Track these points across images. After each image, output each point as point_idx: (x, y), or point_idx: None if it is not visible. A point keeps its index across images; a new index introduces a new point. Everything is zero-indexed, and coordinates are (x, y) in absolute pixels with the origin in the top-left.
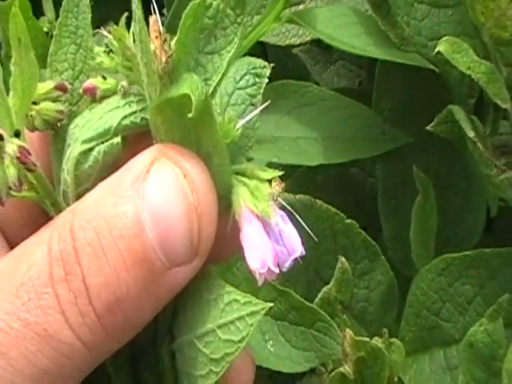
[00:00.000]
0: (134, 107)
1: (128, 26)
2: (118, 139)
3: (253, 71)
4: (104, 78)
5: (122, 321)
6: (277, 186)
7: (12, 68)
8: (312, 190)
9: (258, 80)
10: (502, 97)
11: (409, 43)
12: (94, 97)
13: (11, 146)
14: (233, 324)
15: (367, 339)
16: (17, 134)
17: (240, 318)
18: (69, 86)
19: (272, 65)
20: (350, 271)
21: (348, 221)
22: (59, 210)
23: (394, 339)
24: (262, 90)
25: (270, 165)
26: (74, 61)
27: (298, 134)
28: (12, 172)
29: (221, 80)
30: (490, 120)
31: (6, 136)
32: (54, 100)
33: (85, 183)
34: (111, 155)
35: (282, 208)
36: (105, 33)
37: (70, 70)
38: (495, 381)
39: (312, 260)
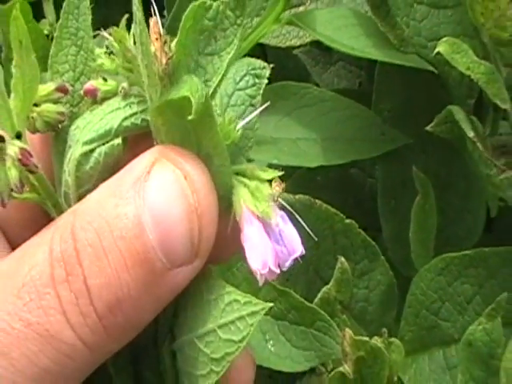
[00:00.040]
0: (135, 108)
1: (128, 27)
2: (118, 140)
3: (252, 72)
4: (105, 79)
5: (122, 321)
6: (277, 187)
7: (13, 70)
8: (312, 190)
9: (257, 81)
10: (501, 97)
11: (408, 44)
12: (95, 98)
13: (13, 148)
14: (233, 324)
15: (367, 339)
16: (18, 136)
17: (240, 318)
18: (70, 88)
19: (271, 65)
20: (349, 271)
21: (347, 221)
22: (60, 212)
23: (393, 339)
24: (261, 91)
25: (270, 166)
26: (74, 62)
27: (297, 135)
28: (14, 174)
29: (221, 81)
30: (489, 120)
31: (7, 138)
32: (55, 102)
33: (86, 184)
34: (112, 156)
35: (282, 208)
36: (105, 34)
37: (71, 72)
38: (494, 379)
39: (312, 260)
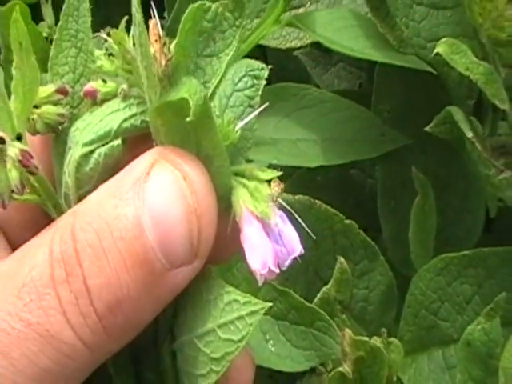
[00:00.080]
0: (134, 110)
1: (128, 29)
2: (118, 141)
3: (251, 73)
4: (104, 81)
5: (122, 321)
6: (276, 187)
7: (13, 72)
8: (312, 191)
9: (256, 82)
10: (500, 98)
11: (407, 45)
12: (95, 100)
13: (13, 150)
14: (233, 323)
15: (366, 339)
16: (18, 138)
17: (240, 318)
18: (70, 90)
19: (270, 67)
20: (348, 271)
21: (347, 221)
22: (61, 212)
23: (392, 339)
24: (260, 92)
25: (270, 166)
26: (74, 64)
27: (297, 135)
28: (14, 175)
29: (220, 82)
30: (488, 121)
31: (7, 139)
32: (55, 103)
33: (86, 185)
34: (112, 157)
35: (281, 208)
36: (105, 36)
37: (71, 74)
38: (492, 379)
39: (311, 260)
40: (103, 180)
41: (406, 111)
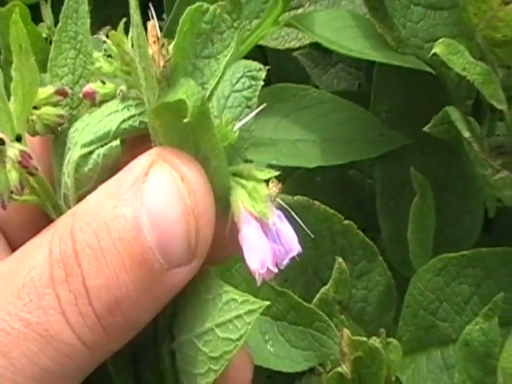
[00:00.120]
0: (133, 111)
1: (127, 30)
2: (117, 142)
3: (249, 74)
4: (103, 82)
5: (121, 321)
6: (274, 187)
7: (13, 73)
8: (311, 191)
9: (253, 83)
10: (497, 98)
11: (405, 45)
12: (94, 101)
13: (13, 151)
14: (231, 323)
15: (364, 339)
16: (18, 139)
17: (238, 317)
18: (69, 91)
19: (268, 67)
20: (347, 272)
21: (346, 222)
22: (60, 213)
23: (391, 339)
24: (257, 93)
25: (269, 167)
26: (73, 66)
27: (296, 136)
28: (14, 176)
29: (218, 83)
30: (487, 121)
31: (7, 140)
32: (55, 104)
33: (85, 186)
34: (111, 158)
35: (279, 207)
36: (104, 38)
37: (70, 75)
38: (491, 379)
39: (310, 261)
40: (102, 180)
41: (405, 111)
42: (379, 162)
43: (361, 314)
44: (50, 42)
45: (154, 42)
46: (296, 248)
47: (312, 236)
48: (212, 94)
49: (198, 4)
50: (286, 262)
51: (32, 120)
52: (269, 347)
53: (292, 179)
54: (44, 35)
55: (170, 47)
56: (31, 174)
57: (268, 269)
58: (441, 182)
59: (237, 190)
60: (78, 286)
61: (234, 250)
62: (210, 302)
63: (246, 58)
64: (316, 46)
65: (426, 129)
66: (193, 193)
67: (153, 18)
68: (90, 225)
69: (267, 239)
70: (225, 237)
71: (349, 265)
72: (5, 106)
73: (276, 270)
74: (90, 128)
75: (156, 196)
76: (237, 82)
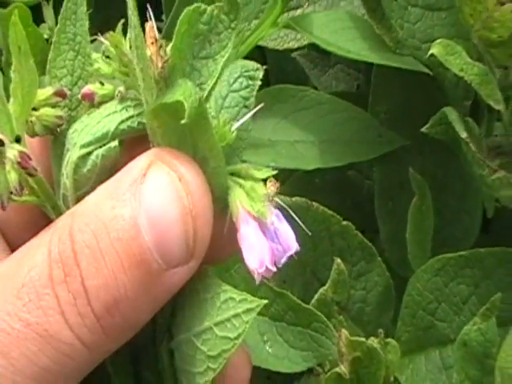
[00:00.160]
0: (131, 112)
1: (125, 32)
2: (115, 143)
3: (246, 74)
4: (102, 83)
5: (120, 321)
6: (272, 187)
7: (12, 75)
8: (310, 193)
9: (251, 82)
10: (494, 98)
11: (403, 46)
12: (93, 102)
13: (12, 152)
14: (229, 321)
15: (363, 339)
16: (17, 140)
17: (236, 316)
18: (68, 92)
19: (265, 67)
20: (345, 272)
21: (344, 223)
22: (59, 214)
23: (389, 339)
24: (255, 92)
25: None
26: (72, 67)
27: (295, 137)
28: (13, 177)
29: (215, 84)
30: (485, 121)
31: (6, 141)
32: (54, 106)
33: (84, 187)
34: (109, 159)
35: (277, 206)
36: (102, 39)
37: (69, 76)
38: (489, 379)
39: (309, 261)
40: (101, 181)
41: (403, 112)
42: (378, 163)
43: (359, 315)
44: (52, 43)
45: (152, 43)
46: (294, 246)
47: (309, 233)
48: (210, 94)
49: (195, 5)
50: (284, 260)
51: (31, 121)
52: (267, 348)
53: (291, 181)
54: (46, 36)
55: (168, 48)
56: (30, 175)
57: (267, 268)
58: (439, 183)
59: (235, 190)
60: (76, 287)
61: (232, 250)
62: (208, 301)
63: (245, 58)
64: (315, 46)
65: (423, 130)
66: (191, 193)
67: (151, 19)
68: (88, 225)
69: (265, 238)
70: (223, 237)
71: (347, 266)
72: (4, 107)
73: (275, 269)
74: (89, 129)
75: (154, 197)
76: (234, 82)
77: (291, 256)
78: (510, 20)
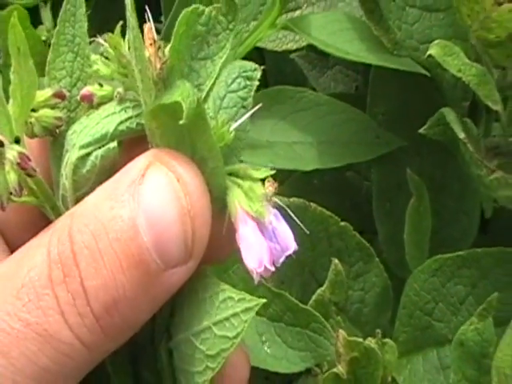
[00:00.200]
0: (130, 113)
1: (124, 33)
2: (114, 144)
3: (244, 74)
4: (101, 85)
5: (119, 321)
6: (270, 187)
7: (11, 76)
8: (308, 193)
9: (248, 83)
10: (492, 99)
11: (401, 47)
12: (91, 103)
13: (11, 153)
14: (228, 321)
15: (360, 340)
16: (17, 141)
17: (235, 315)
18: (67, 94)
19: (263, 67)
20: (343, 273)
21: (342, 223)
22: (58, 214)
23: (387, 339)
24: (252, 93)
25: None
26: (71, 68)
27: (293, 138)
28: (12, 178)
29: (213, 85)
30: (483, 122)
31: (6, 142)
32: (53, 107)
33: (83, 187)
34: (108, 160)
35: (275, 206)
36: (101, 41)
37: (68, 78)
38: (486, 378)
39: (307, 262)
40: (100, 182)
41: (401, 113)
42: (376, 164)
43: (357, 316)
44: (49, 45)
45: (151, 44)
46: (292, 246)
47: (308, 233)
48: (208, 95)
49: (193, 6)
50: (282, 260)
51: (30, 122)
52: (266, 348)
53: (289, 182)
54: (43, 38)
55: (167, 49)
56: (30, 176)
57: (265, 267)
58: (437, 184)
59: (233, 190)
60: (76, 287)
61: (231, 250)
62: (207, 300)
63: (244, 59)
64: (313, 48)
65: (421, 130)
66: (189, 194)
67: (149, 20)
68: (87, 226)
69: (264, 238)
70: (222, 237)
71: (345, 266)
72: (4, 108)
73: (273, 269)
74: (88, 130)
75: (153, 197)
76: (232, 83)
77: (289, 255)
78: (508, 20)
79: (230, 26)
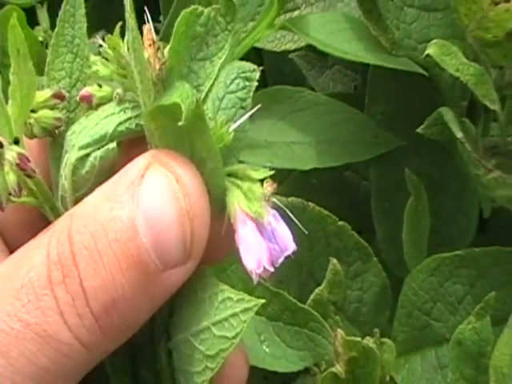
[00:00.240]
0: (129, 113)
1: (123, 34)
2: (113, 145)
3: (243, 75)
4: (100, 85)
5: (118, 322)
6: (269, 187)
7: (11, 77)
8: (306, 193)
9: (247, 83)
10: (490, 98)
11: (399, 47)
12: (91, 104)
13: (11, 153)
14: (227, 321)
15: (359, 339)
16: (16, 142)
17: (234, 315)
18: (66, 94)
19: (261, 68)
20: (341, 272)
21: (340, 223)
22: (58, 215)
23: (385, 339)
24: (251, 94)
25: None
26: (70, 69)
27: (292, 138)
28: (12, 178)
29: (212, 85)
30: (481, 122)
31: (5, 143)
32: (52, 108)
33: (82, 188)
34: (107, 160)
35: (274, 207)
36: (100, 41)
37: (67, 79)
38: (483, 378)
39: (305, 262)
40: (99, 183)
41: (400, 113)
42: (374, 164)
43: (356, 315)
44: (46, 46)
45: (150, 45)
46: (291, 246)
47: (305, 231)
48: (207, 96)
49: (192, 7)
50: (281, 260)
51: (30, 123)
52: (264, 347)
53: (287, 181)
54: (40, 38)
55: (166, 50)
56: (29, 177)
57: (264, 268)
58: (435, 183)
59: (232, 191)
60: (75, 288)
61: (230, 251)
62: (206, 300)
63: (242, 60)
64: (312, 47)
65: (419, 130)
66: (188, 195)
67: (148, 21)
68: (87, 227)
69: (263, 239)
70: (221, 237)
71: (344, 266)
72: (3, 109)
73: (272, 269)
74: (87, 131)
75: (152, 198)
76: (231, 84)
77: (288, 256)
78: (505, 20)
79: (229, 27)
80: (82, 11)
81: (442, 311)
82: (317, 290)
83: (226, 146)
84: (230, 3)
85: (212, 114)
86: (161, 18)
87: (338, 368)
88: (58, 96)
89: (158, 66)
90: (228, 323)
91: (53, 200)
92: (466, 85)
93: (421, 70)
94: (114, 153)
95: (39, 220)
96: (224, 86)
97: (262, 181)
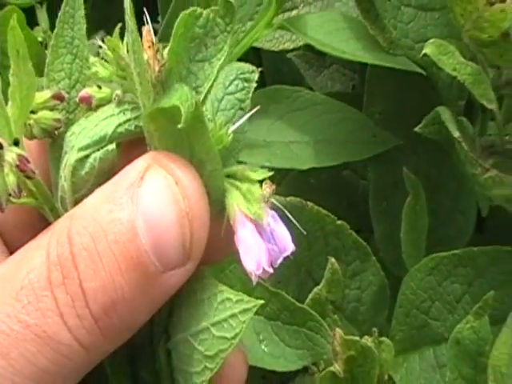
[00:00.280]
0: (129, 115)
1: (122, 35)
2: (113, 146)
3: (241, 76)
4: (99, 87)
5: (118, 323)
6: (267, 188)
7: (10, 79)
8: (305, 193)
9: (246, 85)
10: (487, 98)
11: (397, 46)
12: (90, 105)
13: (10, 155)
14: (226, 321)
15: (357, 338)
16: (16, 143)
17: (233, 316)
18: (66, 95)
19: (260, 69)
20: (339, 272)
21: (339, 222)
22: (57, 216)
23: (383, 338)
24: (250, 95)
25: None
26: (70, 70)
27: (290, 138)
28: (11, 179)
29: (211, 87)
30: (478, 121)
31: (5, 144)
32: (52, 109)
33: (82, 189)
34: (107, 162)
35: (273, 208)
36: (100, 43)
37: (67, 80)
38: (482, 377)
39: (304, 261)
40: (99, 184)
41: (398, 112)
42: (372, 163)
43: (354, 314)
44: (46, 46)
45: (149, 46)
46: (290, 247)
47: (304, 232)
48: (206, 97)
49: (191, 9)
50: (280, 261)
51: (29, 124)
52: (263, 347)
53: (286, 181)
54: (39, 39)
55: (165, 52)
56: (29, 178)
57: (264, 269)
58: (433, 182)
59: (232, 193)
60: (75, 289)
61: (229, 252)
62: (205, 301)
63: (241, 59)
64: (310, 47)
65: (417, 129)
66: (187, 196)
67: (148, 23)
68: (86, 228)
69: (262, 240)
70: (220, 239)
71: (342, 265)
72: (2, 110)
73: (271, 270)
74: (87, 132)
75: (151, 200)
76: (230, 85)
77: (287, 257)
78: (500, 20)
79: (228, 28)
80: (82, 12)
81: (441, 310)
82: (315, 290)
83: (225, 148)
84: (229, 4)
85: (211, 116)
86: (159, 19)
87: (337, 367)
88: (58, 97)
89: (157, 68)
90: (227, 324)
91: (52, 201)
92: (463, 84)
93: (418, 70)
94: (114, 154)
95: (39, 221)
96: (223, 87)
97: (260, 182)
